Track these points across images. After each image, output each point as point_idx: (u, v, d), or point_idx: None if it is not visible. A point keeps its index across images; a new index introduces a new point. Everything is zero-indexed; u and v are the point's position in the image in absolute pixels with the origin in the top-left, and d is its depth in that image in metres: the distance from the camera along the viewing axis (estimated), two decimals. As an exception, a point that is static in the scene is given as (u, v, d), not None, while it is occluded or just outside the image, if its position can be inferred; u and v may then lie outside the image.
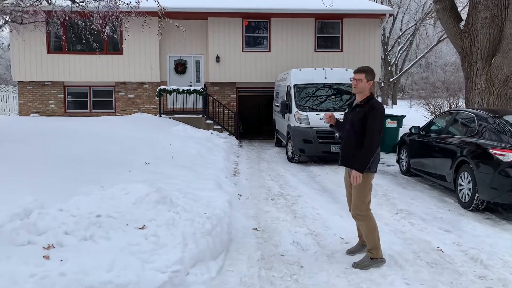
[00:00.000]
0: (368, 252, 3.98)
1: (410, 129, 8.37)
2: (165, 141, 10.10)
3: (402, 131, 13.17)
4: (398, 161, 9.17)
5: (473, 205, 5.90)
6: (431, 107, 13.43)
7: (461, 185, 6.28)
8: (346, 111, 4.09)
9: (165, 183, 5.98)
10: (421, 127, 8.34)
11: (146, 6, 10.58)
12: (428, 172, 7.50)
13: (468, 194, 6.06)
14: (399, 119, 12.54)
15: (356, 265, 3.91)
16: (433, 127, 8.14)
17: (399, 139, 12.33)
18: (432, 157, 7.38)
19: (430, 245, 4.54)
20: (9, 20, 10.80)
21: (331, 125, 4.24)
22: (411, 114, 15.83)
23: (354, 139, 3.85)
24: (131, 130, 10.99)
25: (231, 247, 4.37)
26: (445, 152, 6.87)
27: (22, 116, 15.15)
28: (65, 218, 3.73)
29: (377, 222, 4.10)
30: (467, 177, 6.10)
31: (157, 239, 3.66)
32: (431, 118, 12.74)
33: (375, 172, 3.94)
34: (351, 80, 3.95)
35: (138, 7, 9.83)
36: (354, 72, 3.93)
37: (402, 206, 6.20)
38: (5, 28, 12.43)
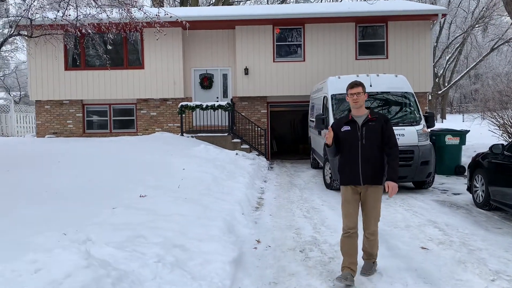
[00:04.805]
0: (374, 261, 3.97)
1: (491, 148, 6.26)
2: (179, 164, 8.50)
3: (465, 149, 10.95)
4: (470, 189, 7.03)
5: None
6: (500, 120, 11.09)
7: None
8: (348, 129, 3.82)
9: (151, 228, 4.32)
10: (505, 145, 6.23)
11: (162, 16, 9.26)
12: (521, 207, 5.41)
13: None
14: (461, 134, 10.26)
15: (368, 273, 3.86)
16: (523, 145, 6.05)
17: (465, 159, 10.11)
18: (527, 187, 5.28)
19: None
20: (16, 32, 9.70)
21: (327, 145, 3.88)
22: (474, 129, 13.45)
23: (379, 155, 3.77)
24: (144, 152, 9.51)
25: None
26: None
27: (39, 137, 14.19)
28: None
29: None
30: None
31: None
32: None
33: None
34: (349, 96, 3.88)
35: (158, 16, 8.52)
36: (352, 87, 3.84)
37: (496, 264, 4.16)
38: (14, 42, 11.48)
